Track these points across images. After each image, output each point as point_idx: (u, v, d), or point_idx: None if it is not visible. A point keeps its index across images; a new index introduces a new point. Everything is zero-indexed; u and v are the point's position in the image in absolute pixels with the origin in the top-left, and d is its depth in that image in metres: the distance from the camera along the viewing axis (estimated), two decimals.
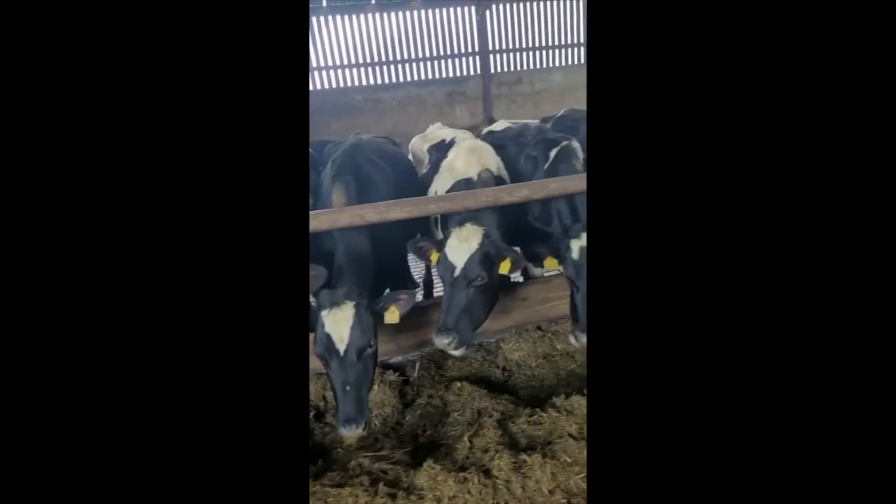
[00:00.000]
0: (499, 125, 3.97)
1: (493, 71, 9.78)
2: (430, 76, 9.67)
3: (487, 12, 9.40)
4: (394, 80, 9.52)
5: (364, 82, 9.36)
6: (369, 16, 9.02)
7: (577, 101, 10.02)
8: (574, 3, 9.88)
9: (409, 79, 9.59)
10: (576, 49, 10.18)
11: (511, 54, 9.92)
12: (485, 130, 4.06)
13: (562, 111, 4.11)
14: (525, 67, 10.03)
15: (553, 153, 2.88)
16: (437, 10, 9.29)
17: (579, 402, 2.14)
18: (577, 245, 2.41)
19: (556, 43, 10.05)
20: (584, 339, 2.41)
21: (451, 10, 9.34)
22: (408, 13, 9.19)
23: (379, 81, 9.45)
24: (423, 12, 9.25)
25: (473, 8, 9.32)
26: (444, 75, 9.72)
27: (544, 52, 10.04)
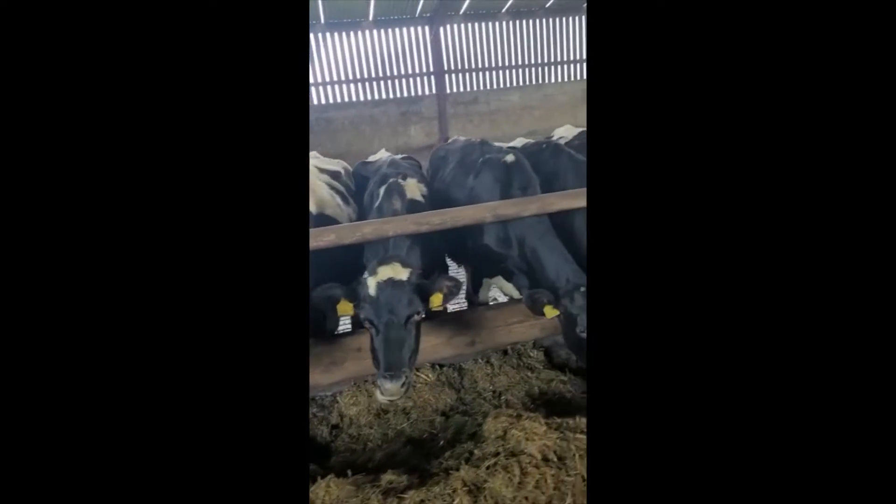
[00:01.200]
0: (378, 155, 3.75)
1: (448, 90, 9.61)
2: (383, 96, 9.51)
3: (441, 31, 9.27)
4: (346, 98, 9.36)
5: (315, 101, 9.20)
6: (320, 35, 8.90)
7: (535, 120, 9.91)
8: (531, 23, 9.75)
9: (361, 98, 9.43)
10: (533, 69, 10.03)
11: (467, 74, 9.76)
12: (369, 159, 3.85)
13: (450, 139, 3.89)
14: (482, 87, 9.87)
15: (381, 190, 2.64)
16: (390, 30, 9.16)
17: (342, 486, 1.84)
18: (374, 281, 2.12)
19: (514, 63, 9.89)
20: (388, 385, 2.02)
21: (405, 29, 9.21)
22: (360, 33, 9.07)
23: (331, 100, 9.30)
24: (375, 32, 9.12)
25: (427, 27, 9.19)
26: (398, 94, 9.56)
27: (502, 72, 9.89)
